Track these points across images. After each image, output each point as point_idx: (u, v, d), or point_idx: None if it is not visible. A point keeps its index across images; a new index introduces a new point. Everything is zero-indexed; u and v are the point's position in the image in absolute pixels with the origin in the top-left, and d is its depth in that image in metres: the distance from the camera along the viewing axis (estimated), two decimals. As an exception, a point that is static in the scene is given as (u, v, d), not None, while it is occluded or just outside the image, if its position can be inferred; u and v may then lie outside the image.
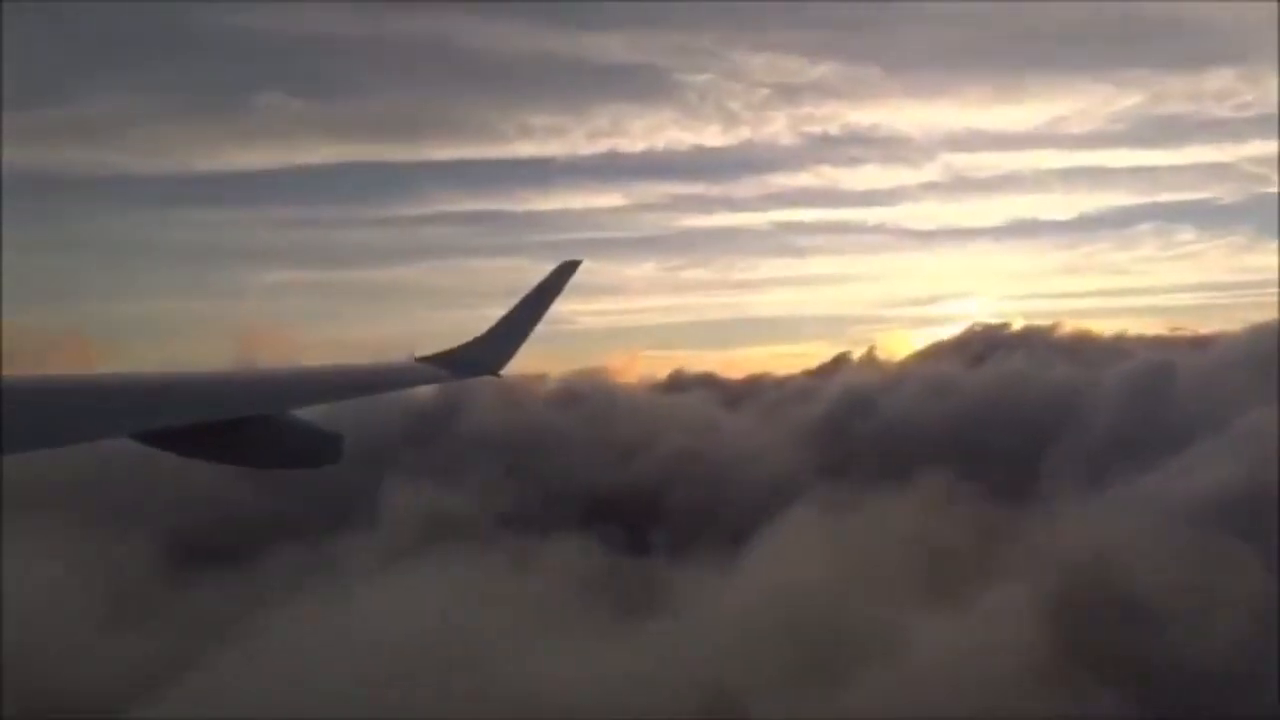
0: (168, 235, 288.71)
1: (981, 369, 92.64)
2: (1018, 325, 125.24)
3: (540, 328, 11.38)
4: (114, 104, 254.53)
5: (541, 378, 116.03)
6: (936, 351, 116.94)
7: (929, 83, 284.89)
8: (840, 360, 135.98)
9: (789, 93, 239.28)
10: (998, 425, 75.45)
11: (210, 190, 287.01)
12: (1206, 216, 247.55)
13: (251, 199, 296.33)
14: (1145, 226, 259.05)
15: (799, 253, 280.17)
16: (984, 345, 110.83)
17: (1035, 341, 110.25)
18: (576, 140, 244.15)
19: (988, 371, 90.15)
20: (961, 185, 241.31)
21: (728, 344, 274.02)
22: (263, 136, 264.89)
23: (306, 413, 7.41)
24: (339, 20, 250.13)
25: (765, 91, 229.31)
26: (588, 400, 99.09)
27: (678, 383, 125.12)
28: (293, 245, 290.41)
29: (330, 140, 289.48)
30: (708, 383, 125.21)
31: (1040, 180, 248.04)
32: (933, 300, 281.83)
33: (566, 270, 12.24)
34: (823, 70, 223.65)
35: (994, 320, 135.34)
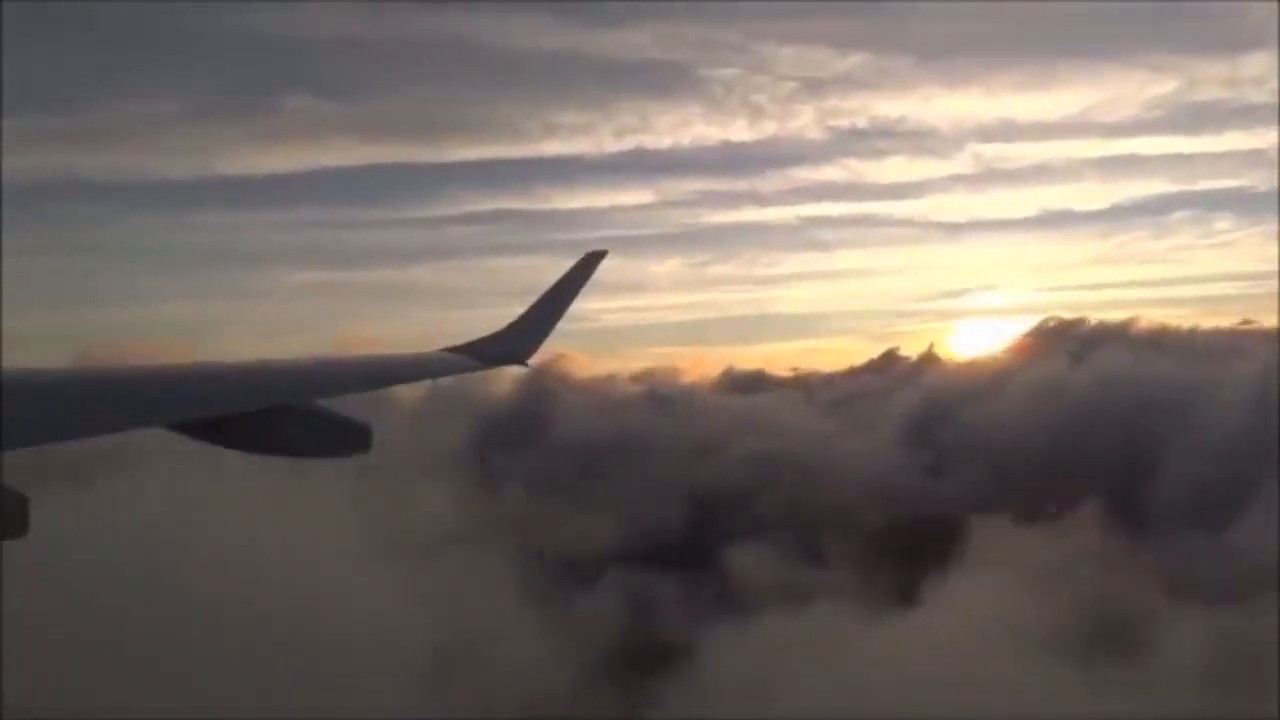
0: (195, 238, 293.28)
1: (1082, 367, 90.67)
2: (1094, 318, 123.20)
3: (565, 325, 11.36)
4: (141, 108, 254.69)
5: (611, 379, 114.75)
6: (1018, 347, 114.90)
7: (958, 72, 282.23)
8: (891, 356, 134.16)
9: (816, 86, 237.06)
10: (1122, 427, 73.64)
11: (237, 193, 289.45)
12: (1242, 204, 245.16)
13: (278, 201, 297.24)
14: (1181, 215, 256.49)
15: (825, 247, 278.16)
16: (1063, 341, 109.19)
17: (1116, 336, 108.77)
18: (602, 137, 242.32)
19: (1093, 370, 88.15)
20: (991, 176, 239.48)
21: (754, 340, 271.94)
22: (289, 139, 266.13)
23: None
24: (364, 22, 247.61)
25: (792, 85, 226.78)
26: (676, 403, 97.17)
27: (736, 382, 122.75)
28: (319, 246, 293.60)
29: (356, 142, 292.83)
30: (762, 381, 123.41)
31: (1072, 170, 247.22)
32: (962, 293, 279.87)
33: (592, 261, 12.16)
34: (851, 62, 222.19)
35: (1068, 315, 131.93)
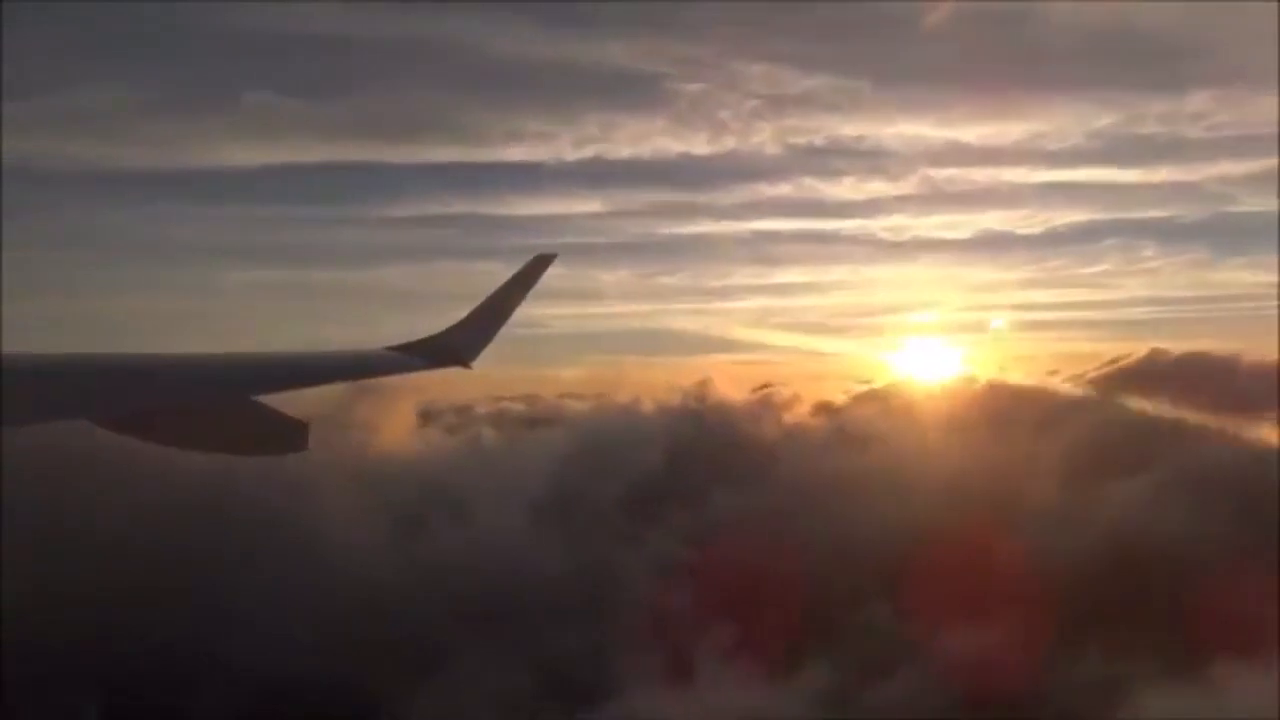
0: (148, 231, 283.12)
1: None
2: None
3: (512, 330, 11.45)
4: (102, 99, 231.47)
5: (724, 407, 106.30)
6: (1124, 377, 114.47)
7: (917, 97, 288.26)
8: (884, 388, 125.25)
9: (779, 104, 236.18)
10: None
11: (196, 187, 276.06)
12: (1168, 234, 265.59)
13: (237, 197, 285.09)
14: (1110, 242, 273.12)
15: (773, 261, 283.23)
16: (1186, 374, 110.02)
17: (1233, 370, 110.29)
18: (563, 146, 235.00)
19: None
20: (938, 199, 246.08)
21: (695, 351, 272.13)
22: (250, 134, 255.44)
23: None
24: (330, 20, 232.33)
25: (755, 102, 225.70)
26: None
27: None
28: (275, 244, 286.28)
29: (318, 140, 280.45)
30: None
31: (1015, 195, 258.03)
32: (900, 310, 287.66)
33: (540, 264, 12.19)
34: (814, 82, 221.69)
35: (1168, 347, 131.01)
